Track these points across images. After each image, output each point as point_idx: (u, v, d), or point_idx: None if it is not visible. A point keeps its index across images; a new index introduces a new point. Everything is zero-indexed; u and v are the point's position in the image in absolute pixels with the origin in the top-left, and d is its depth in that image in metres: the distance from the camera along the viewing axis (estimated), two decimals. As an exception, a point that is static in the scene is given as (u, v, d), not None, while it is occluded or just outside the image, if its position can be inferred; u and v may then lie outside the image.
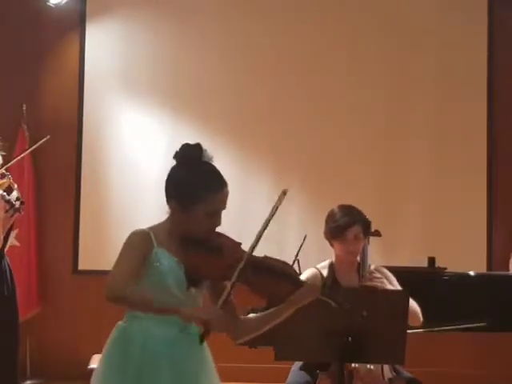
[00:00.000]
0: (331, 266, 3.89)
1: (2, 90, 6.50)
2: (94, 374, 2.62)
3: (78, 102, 6.57)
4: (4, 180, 4.96)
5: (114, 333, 2.62)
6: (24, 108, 6.35)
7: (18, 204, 4.87)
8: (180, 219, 2.53)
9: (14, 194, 4.94)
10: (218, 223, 2.53)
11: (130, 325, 2.54)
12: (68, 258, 6.50)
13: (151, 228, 2.54)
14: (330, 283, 3.83)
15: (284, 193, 2.51)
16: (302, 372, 3.82)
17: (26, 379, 6.11)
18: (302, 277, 3.84)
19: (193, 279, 2.49)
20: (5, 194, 4.84)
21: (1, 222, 4.85)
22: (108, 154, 6.53)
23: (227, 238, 2.55)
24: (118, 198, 6.48)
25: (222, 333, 2.41)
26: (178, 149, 2.58)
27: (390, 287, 3.77)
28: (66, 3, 6.44)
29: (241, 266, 2.41)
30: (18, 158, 5.46)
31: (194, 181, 2.51)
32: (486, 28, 6.55)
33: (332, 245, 3.88)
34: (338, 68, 6.55)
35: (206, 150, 2.56)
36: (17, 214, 4.93)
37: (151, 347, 2.48)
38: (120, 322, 2.60)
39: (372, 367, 3.63)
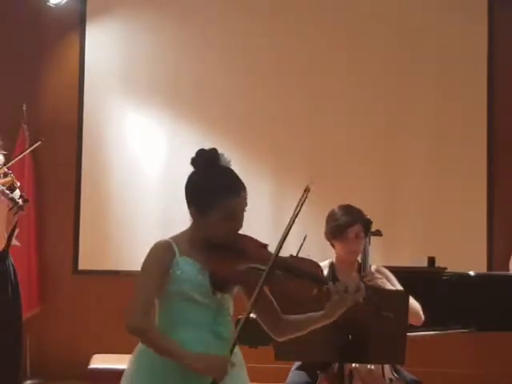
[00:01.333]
0: (331, 266, 3.89)
1: (2, 90, 6.50)
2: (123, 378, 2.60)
3: (78, 102, 6.57)
4: (7, 179, 4.95)
5: (136, 354, 2.59)
6: (24, 108, 6.35)
7: (21, 201, 4.86)
8: (200, 225, 2.53)
9: (17, 192, 4.94)
10: (239, 226, 2.53)
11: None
12: (68, 258, 6.51)
13: (174, 237, 2.54)
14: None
15: (307, 190, 2.53)
16: (302, 372, 3.82)
17: (26, 379, 6.11)
18: None
19: (218, 284, 2.48)
20: (8, 191, 4.84)
21: (5, 220, 4.85)
22: (108, 154, 6.53)
23: (252, 240, 2.53)
24: (118, 198, 6.48)
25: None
26: (194, 155, 2.57)
27: (390, 287, 3.78)
28: (66, 3, 6.44)
29: (267, 268, 2.40)
30: (16, 159, 5.45)
31: (210, 186, 2.50)
32: (486, 28, 6.55)
33: (333, 245, 3.89)
34: (338, 68, 6.55)
35: (222, 155, 2.56)
36: (20, 212, 4.92)
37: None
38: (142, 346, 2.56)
39: (372, 367, 3.64)
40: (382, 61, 6.53)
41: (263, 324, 2.61)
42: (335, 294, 2.42)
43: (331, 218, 3.87)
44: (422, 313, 3.74)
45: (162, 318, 2.54)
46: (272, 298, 2.59)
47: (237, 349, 2.53)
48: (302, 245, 4.83)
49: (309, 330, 2.56)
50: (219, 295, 2.50)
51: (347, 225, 3.79)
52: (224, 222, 2.48)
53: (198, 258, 2.50)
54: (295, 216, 2.51)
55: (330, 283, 2.45)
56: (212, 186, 2.50)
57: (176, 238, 2.54)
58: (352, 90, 6.53)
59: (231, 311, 2.59)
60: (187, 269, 2.48)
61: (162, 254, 2.48)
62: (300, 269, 2.45)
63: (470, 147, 6.49)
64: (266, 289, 2.52)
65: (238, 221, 2.52)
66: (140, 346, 2.54)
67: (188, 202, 2.55)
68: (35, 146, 5.53)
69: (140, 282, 2.48)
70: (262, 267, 2.42)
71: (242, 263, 2.46)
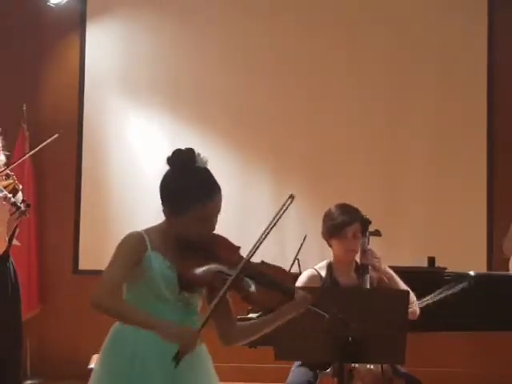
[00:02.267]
0: (329, 266, 3.90)
1: (2, 90, 6.50)
2: (92, 375, 2.60)
3: (78, 101, 6.57)
4: (9, 181, 4.93)
5: (109, 334, 2.63)
6: (24, 108, 6.35)
7: (23, 206, 4.84)
8: (173, 223, 2.52)
9: (20, 195, 4.92)
10: (212, 228, 2.51)
11: (123, 325, 2.53)
12: (68, 258, 6.50)
13: (147, 230, 2.54)
14: (328, 283, 3.83)
15: (291, 197, 2.47)
16: (303, 370, 3.82)
17: (26, 379, 6.10)
18: (301, 278, 3.85)
19: (185, 284, 2.46)
20: (10, 196, 4.81)
21: (6, 224, 4.84)
22: (108, 154, 6.53)
23: (224, 242, 2.52)
24: (118, 198, 6.48)
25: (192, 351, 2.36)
26: (170, 154, 2.57)
27: (387, 269, 3.80)
28: (66, 3, 6.44)
29: (234, 274, 2.38)
30: (24, 157, 5.44)
31: (185, 187, 2.49)
32: (486, 28, 6.55)
33: (330, 245, 3.89)
34: (338, 68, 6.55)
35: (199, 155, 2.53)
36: (22, 217, 4.90)
37: (143, 349, 2.47)
38: (116, 324, 2.58)
39: (372, 367, 3.64)
40: (382, 61, 6.54)
41: (217, 329, 2.59)
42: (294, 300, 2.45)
43: (328, 217, 3.87)
44: (418, 308, 3.75)
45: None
46: (231, 307, 2.58)
47: (203, 345, 2.53)
48: (301, 244, 4.85)
49: (260, 334, 2.56)
50: (186, 294, 2.49)
51: (345, 224, 3.79)
52: (196, 224, 2.47)
53: (169, 255, 2.49)
54: (273, 224, 2.45)
55: (297, 295, 2.45)
56: (186, 188, 2.49)
57: (148, 231, 2.53)
58: (352, 90, 6.53)
59: (198, 309, 2.57)
60: (157, 265, 2.47)
61: (134, 245, 2.48)
62: (268, 277, 2.43)
63: (470, 147, 6.50)
64: (228, 295, 2.50)
65: (211, 224, 2.50)
66: (112, 329, 2.60)
67: (162, 200, 2.56)
68: (51, 139, 5.45)
69: (109, 267, 2.49)
70: (230, 272, 2.40)
71: (211, 263, 2.44)
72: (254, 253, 2.43)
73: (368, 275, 3.79)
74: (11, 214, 4.81)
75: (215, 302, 2.38)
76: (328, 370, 3.65)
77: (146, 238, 2.49)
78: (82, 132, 6.56)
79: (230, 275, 2.39)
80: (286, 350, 3.35)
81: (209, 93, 6.54)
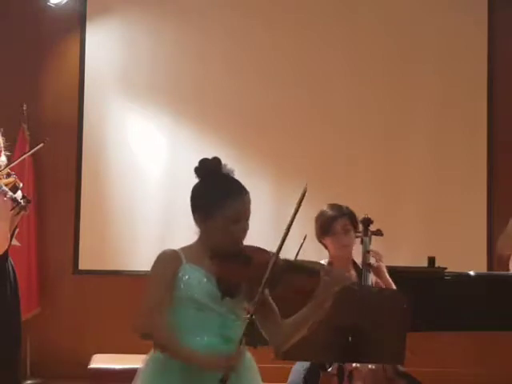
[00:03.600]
0: (328, 265, 3.90)
1: (2, 90, 6.50)
2: None
3: (78, 101, 6.57)
4: (10, 179, 4.95)
5: (149, 364, 2.59)
6: (24, 108, 6.35)
7: (23, 202, 4.86)
8: (206, 231, 2.57)
9: (19, 193, 4.94)
10: (244, 230, 2.56)
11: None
12: (68, 258, 6.50)
13: (181, 248, 2.58)
14: None
15: (305, 189, 2.53)
16: (303, 371, 3.82)
17: (26, 379, 6.11)
18: None
19: (225, 289, 2.50)
20: (11, 192, 4.84)
21: (9, 220, 4.84)
22: (108, 154, 6.53)
23: (255, 247, 2.57)
24: (118, 198, 6.47)
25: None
26: (197, 164, 2.62)
27: (389, 279, 3.82)
28: (65, 3, 6.44)
29: (269, 268, 2.44)
30: (20, 159, 5.44)
31: (213, 191, 2.56)
32: (486, 28, 6.55)
33: (325, 245, 3.94)
34: (338, 68, 6.55)
35: (225, 164, 2.62)
36: (22, 213, 4.92)
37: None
38: (153, 353, 2.58)
39: (373, 367, 3.64)
40: (382, 62, 6.54)
41: (265, 333, 2.61)
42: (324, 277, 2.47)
43: (318, 216, 3.96)
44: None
45: (172, 326, 2.55)
46: (274, 306, 2.60)
47: (248, 354, 2.58)
48: (302, 244, 4.85)
49: (307, 326, 2.56)
50: (229, 303, 2.52)
51: (333, 218, 3.88)
52: (229, 225, 2.52)
53: (205, 264, 2.53)
54: (294, 216, 2.54)
55: (322, 273, 2.49)
56: (214, 191, 2.56)
57: (183, 248, 2.58)
58: (352, 91, 6.53)
59: (242, 315, 2.57)
60: (194, 274, 2.51)
61: (168, 261, 2.52)
62: (300, 265, 2.52)
63: (470, 147, 6.50)
64: (268, 295, 2.55)
65: (243, 224, 2.55)
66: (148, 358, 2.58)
67: (193, 212, 2.59)
68: (38, 147, 5.49)
69: (147, 289, 2.52)
70: (266, 267, 2.45)
71: (246, 266, 2.50)
72: (281, 247, 2.50)
73: (370, 275, 3.81)
74: (11, 210, 4.84)
75: (258, 296, 2.43)
76: (329, 370, 3.64)
77: (181, 253, 2.54)
78: (81, 132, 6.55)
79: (266, 270, 2.44)
80: (286, 350, 3.34)
81: (209, 93, 6.54)
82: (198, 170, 2.60)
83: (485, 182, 6.48)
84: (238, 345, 2.42)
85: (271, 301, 2.60)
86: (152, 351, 2.57)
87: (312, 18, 6.56)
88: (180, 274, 2.50)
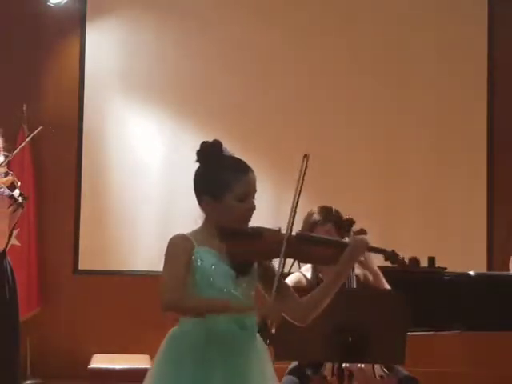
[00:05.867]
0: (314, 268, 3.90)
1: (2, 89, 6.49)
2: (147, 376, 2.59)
3: (79, 102, 6.57)
4: (8, 177, 4.96)
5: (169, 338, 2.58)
6: (24, 108, 6.35)
7: (20, 199, 4.87)
8: (215, 212, 2.56)
9: (17, 191, 4.94)
10: (253, 207, 2.57)
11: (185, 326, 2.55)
12: (68, 258, 6.50)
13: (190, 233, 2.57)
14: (314, 284, 3.84)
15: (306, 157, 2.66)
16: (293, 377, 3.81)
17: (26, 379, 6.10)
18: (287, 281, 3.85)
19: (239, 267, 2.51)
20: (8, 190, 4.85)
21: (7, 219, 4.85)
22: (108, 154, 6.53)
23: (264, 227, 2.59)
24: (118, 198, 6.48)
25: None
26: (198, 147, 2.63)
27: (374, 267, 3.83)
28: (65, 3, 6.43)
29: (286, 238, 2.46)
30: (17, 150, 5.43)
31: (219, 170, 2.58)
32: (486, 28, 6.55)
33: None
34: (338, 67, 6.56)
35: (226, 148, 2.66)
36: (20, 210, 4.93)
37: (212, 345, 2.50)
38: (175, 328, 2.58)
39: (363, 365, 3.64)
40: (381, 60, 6.54)
41: (286, 313, 2.58)
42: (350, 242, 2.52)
43: (305, 217, 3.93)
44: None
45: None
46: (288, 284, 2.63)
47: (258, 337, 2.57)
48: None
49: (327, 299, 2.56)
50: (243, 283, 2.52)
51: (316, 223, 3.85)
52: (237, 203, 2.53)
53: (215, 246, 2.53)
54: (301, 185, 2.63)
55: (351, 240, 2.55)
56: (220, 169, 2.58)
57: (190, 233, 2.57)
58: (352, 90, 6.53)
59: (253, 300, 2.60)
60: (207, 257, 2.51)
61: (182, 243, 2.52)
62: (316, 236, 2.61)
63: (469, 147, 6.50)
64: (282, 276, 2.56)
65: (250, 203, 2.57)
66: (169, 334, 2.57)
67: (199, 196, 2.58)
68: (37, 131, 5.47)
69: (165, 269, 2.49)
70: (281, 239, 2.47)
71: (259, 240, 2.51)
72: (295, 216, 2.56)
73: (354, 273, 3.79)
74: (9, 207, 4.84)
75: (279, 269, 2.45)
76: (319, 372, 3.64)
77: (191, 237, 2.54)
78: (82, 132, 6.55)
79: (282, 241, 2.46)
80: (286, 350, 3.34)
81: (209, 93, 6.54)
82: (199, 154, 2.61)
83: (485, 183, 6.49)
84: (274, 293, 2.42)
85: (285, 281, 2.62)
86: (173, 328, 2.55)
87: (312, 17, 6.56)
88: (194, 259, 2.50)
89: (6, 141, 5.18)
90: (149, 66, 6.59)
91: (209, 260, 2.50)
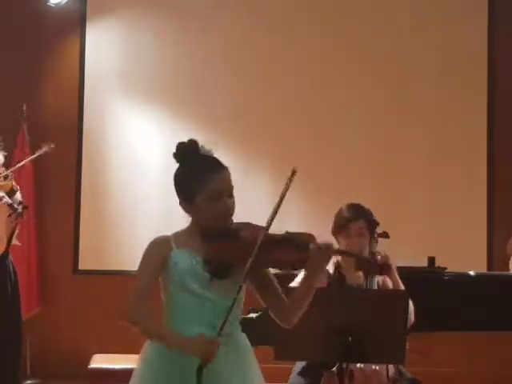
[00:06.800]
0: (336, 264, 3.90)
1: (2, 89, 6.49)
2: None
3: (79, 101, 6.57)
4: (6, 181, 4.93)
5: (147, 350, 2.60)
6: (24, 108, 6.35)
7: (20, 208, 4.83)
8: (192, 214, 2.57)
9: (18, 196, 4.92)
10: (227, 207, 2.54)
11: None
12: (68, 258, 6.50)
13: (175, 232, 2.60)
14: (336, 280, 3.84)
15: (294, 173, 2.59)
16: (305, 371, 3.81)
17: (26, 379, 6.10)
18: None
19: (214, 269, 2.48)
20: (7, 197, 4.81)
21: (4, 224, 4.83)
22: (108, 154, 6.53)
23: (247, 224, 2.56)
24: (118, 198, 6.48)
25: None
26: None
27: (398, 279, 3.81)
28: (65, 3, 6.43)
29: (258, 242, 2.42)
30: (19, 165, 5.43)
31: (190, 171, 2.56)
32: (486, 28, 6.55)
33: (338, 242, 3.91)
34: (338, 67, 6.55)
35: (202, 145, 2.60)
36: (19, 219, 4.90)
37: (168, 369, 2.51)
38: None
39: (377, 368, 3.63)
40: (382, 60, 6.54)
41: (273, 313, 2.60)
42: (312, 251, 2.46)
43: (338, 213, 3.92)
44: (413, 315, 3.74)
45: (168, 317, 2.57)
46: (277, 285, 2.61)
47: (243, 336, 2.59)
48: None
49: (307, 301, 2.53)
50: (220, 286, 2.49)
51: (349, 219, 3.83)
52: (210, 206, 2.51)
53: (194, 246, 2.53)
54: (282, 197, 2.58)
55: (313, 243, 2.46)
56: (192, 171, 2.55)
57: (176, 233, 2.60)
58: (352, 90, 6.53)
59: (240, 305, 2.58)
60: (182, 259, 2.51)
61: (157, 248, 2.56)
62: (283, 237, 2.49)
63: (469, 147, 6.50)
64: (271, 274, 2.54)
65: (224, 203, 2.53)
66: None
67: (177, 196, 2.60)
68: (43, 150, 5.49)
69: (137, 274, 2.57)
70: (255, 243, 2.43)
71: (235, 245, 2.47)
72: (272, 223, 2.50)
73: (376, 277, 3.79)
74: (8, 216, 4.82)
75: (246, 267, 2.40)
76: (333, 369, 3.63)
77: (172, 239, 2.56)
78: (82, 132, 6.55)
79: (255, 245, 2.42)
80: (286, 350, 3.34)
81: (209, 93, 6.54)
82: (175, 155, 2.61)
83: (485, 182, 6.48)
84: (219, 329, 2.40)
85: (272, 276, 2.60)
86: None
87: (313, 17, 6.55)
88: (170, 261, 2.52)
89: (3, 139, 5.17)
90: (149, 65, 6.59)
91: (184, 262, 2.51)
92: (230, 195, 2.56)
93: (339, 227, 3.86)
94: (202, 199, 2.51)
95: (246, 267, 2.41)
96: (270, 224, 2.49)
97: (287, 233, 2.54)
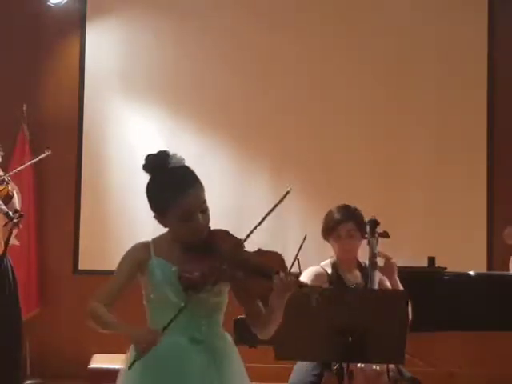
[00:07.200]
0: (334, 264, 3.91)
1: (2, 90, 6.50)
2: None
3: (79, 101, 6.57)
4: (3, 186, 4.90)
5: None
6: (24, 108, 6.35)
7: (16, 217, 4.81)
8: (165, 226, 2.54)
9: (15, 202, 4.90)
10: (199, 225, 2.46)
11: None
12: (68, 258, 6.50)
13: (155, 238, 2.57)
14: (335, 280, 3.85)
15: (287, 193, 2.52)
16: (307, 371, 3.80)
17: (26, 379, 6.10)
18: (306, 275, 3.86)
19: (187, 282, 2.42)
20: (3, 205, 4.79)
21: (0, 232, 4.83)
22: (108, 154, 6.53)
23: (224, 235, 2.50)
24: (118, 198, 6.48)
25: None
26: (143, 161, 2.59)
27: (398, 281, 3.83)
28: (65, 3, 6.44)
29: (223, 265, 2.39)
30: (17, 169, 5.43)
31: (159, 189, 2.49)
32: (486, 28, 6.55)
33: (331, 244, 3.93)
34: (338, 67, 6.55)
35: (174, 155, 2.56)
36: (15, 228, 4.87)
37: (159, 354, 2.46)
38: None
39: (378, 367, 3.63)
40: (382, 60, 6.54)
41: (249, 317, 2.56)
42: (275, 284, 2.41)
43: (327, 216, 3.95)
44: (410, 312, 3.75)
45: (149, 324, 2.56)
46: (258, 302, 2.55)
47: (227, 334, 2.58)
48: (301, 244, 4.84)
49: (275, 324, 2.49)
50: (193, 296, 2.43)
51: (338, 222, 3.86)
52: (181, 224, 2.46)
53: (174, 258, 2.49)
54: (270, 212, 2.55)
55: (276, 276, 2.41)
56: (160, 189, 2.48)
57: (156, 239, 2.56)
58: (352, 90, 6.53)
59: (221, 307, 2.56)
60: (159, 269, 2.48)
61: (136, 253, 2.52)
62: (251, 263, 2.43)
63: (469, 147, 6.50)
64: (253, 288, 2.48)
65: (196, 220, 2.45)
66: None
67: (150, 208, 2.55)
68: (42, 156, 5.51)
69: (112, 276, 2.55)
70: (222, 261, 2.40)
71: (210, 256, 2.43)
72: (245, 240, 2.44)
73: (376, 275, 3.79)
74: (4, 225, 4.80)
75: (188, 298, 2.39)
76: (332, 369, 3.63)
77: (151, 246, 2.52)
78: (81, 132, 6.56)
79: (223, 267, 2.39)
80: (286, 350, 3.35)
81: (209, 93, 6.54)
82: (144, 168, 2.55)
83: (485, 182, 6.48)
84: (166, 324, 2.37)
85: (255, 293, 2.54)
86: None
87: (312, 17, 6.56)
88: (148, 270, 2.49)
89: (3, 139, 5.17)
90: (149, 65, 6.59)
91: (161, 271, 2.47)
92: (203, 211, 2.47)
93: (329, 230, 3.89)
94: (172, 215, 2.46)
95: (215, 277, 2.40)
96: (246, 238, 2.45)
97: (259, 250, 2.50)
